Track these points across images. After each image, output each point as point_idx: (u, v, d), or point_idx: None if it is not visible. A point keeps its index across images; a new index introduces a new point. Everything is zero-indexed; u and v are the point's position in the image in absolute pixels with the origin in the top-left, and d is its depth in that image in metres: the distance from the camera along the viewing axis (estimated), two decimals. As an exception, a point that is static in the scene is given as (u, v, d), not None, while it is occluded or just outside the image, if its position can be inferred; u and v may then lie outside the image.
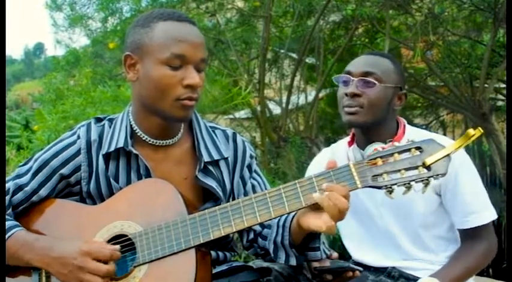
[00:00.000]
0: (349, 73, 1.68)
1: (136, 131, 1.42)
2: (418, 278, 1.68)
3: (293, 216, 1.32)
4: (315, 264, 1.46)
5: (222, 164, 1.46)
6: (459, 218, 1.67)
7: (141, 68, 1.35)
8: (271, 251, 1.39)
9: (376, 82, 1.64)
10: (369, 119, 1.65)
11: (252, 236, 1.48)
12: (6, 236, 1.32)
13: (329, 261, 1.49)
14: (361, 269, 1.57)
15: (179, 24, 1.34)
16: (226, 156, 1.45)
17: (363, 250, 1.81)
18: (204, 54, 1.35)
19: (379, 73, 1.65)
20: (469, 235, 1.67)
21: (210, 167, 1.43)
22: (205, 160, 1.41)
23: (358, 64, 1.70)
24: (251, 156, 1.52)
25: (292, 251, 1.35)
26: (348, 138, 1.80)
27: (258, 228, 1.47)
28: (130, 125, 1.42)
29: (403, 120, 1.75)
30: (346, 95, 1.66)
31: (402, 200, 1.64)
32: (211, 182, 1.41)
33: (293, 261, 1.36)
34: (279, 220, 1.38)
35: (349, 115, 1.66)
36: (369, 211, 1.75)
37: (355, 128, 1.74)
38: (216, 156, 1.43)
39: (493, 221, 1.70)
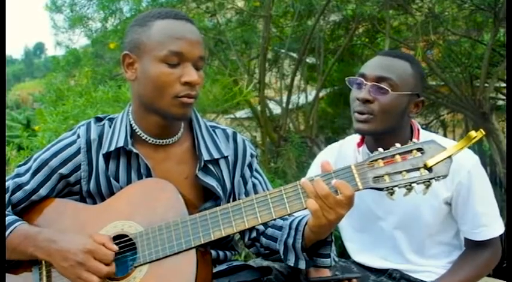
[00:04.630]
0: (363, 76, 1.58)
1: (136, 131, 1.42)
2: (419, 280, 1.68)
3: (307, 220, 1.31)
4: (313, 274, 1.46)
5: (222, 162, 1.46)
6: (468, 228, 1.64)
7: (139, 67, 1.35)
8: (281, 252, 1.39)
9: (389, 90, 1.53)
10: (380, 128, 1.55)
11: (254, 234, 1.48)
12: (9, 231, 1.33)
13: (327, 270, 1.48)
14: (359, 275, 1.56)
15: (176, 22, 1.34)
16: (226, 154, 1.45)
17: (363, 253, 1.80)
18: (201, 52, 1.35)
19: (394, 78, 1.54)
20: (475, 244, 1.65)
21: (210, 166, 1.43)
22: (205, 159, 1.41)
23: (373, 66, 1.59)
24: (252, 155, 1.52)
25: (303, 255, 1.34)
26: (357, 139, 1.72)
27: (260, 227, 1.47)
28: (130, 125, 1.42)
29: (417, 125, 1.66)
30: (358, 100, 1.57)
31: (411, 208, 1.63)
32: (211, 181, 1.41)
33: (302, 265, 1.35)
34: (291, 222, 1.38)
35: (359, 123, 1.57)
36: (377, 217, 1.72)
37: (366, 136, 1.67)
38: (216, 155, 1.43)
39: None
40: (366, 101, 1.55)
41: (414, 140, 1.23)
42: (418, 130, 1.65)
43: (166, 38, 1.31)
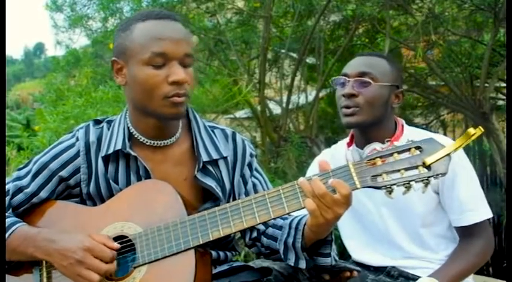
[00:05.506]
0: (345, 75, 1.71)
1: (134, 133, 1.42)
2: (417, 277, 1.69)
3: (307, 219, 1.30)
4: None
5: (221, 163, 1.46)
6: (455, 216, 1.69)
7: (127, 72, 1.35)
8: (281, 251, 1.38)
9: (371, 81, 1.66)
10: (367, 119, 1.67)
11: (255, 234, 1.48)
12: (9, 232, 1.33)
13: None
14: (359, 269, 1.58)
15: (158, 22, 1.33)
16: (225, 155, 1.45)
17: (362, 250, 1.83)
18: (187, 49, 1.33)
19: (374, 73, 1.68)
20: (465, 233, 1.69)
21: (209, 167, 1.43)
22: (204, 160, 1.41)
23: (353, 65, 1.73)
24: (251, 155, 1.52)
25: (303, 254, 1.33)
26: (347, 139, 1.81)
27: (261, 227, 1.47)
28: (128, 127, 1.42)
29: (401, 120, 1.76)
30: (344, 96, 1.68)
31: (402, 200, 1.66)
32: (210, 182, 1.41)
33: (303, 264, 1.35)
34: (291, 221, 1.37)
35: (347, 117, 1.68)
36: (369, 211, 1.77)
37: (354, 129, 1.75)
38: (215, 156, 1.43)
39: (493, 220, 1.72)
40: (351, 96, 1.67)
41: (413, 138, 1.23)
42: (402, 125, 1.74)
43: (147, 40, 1.30)
